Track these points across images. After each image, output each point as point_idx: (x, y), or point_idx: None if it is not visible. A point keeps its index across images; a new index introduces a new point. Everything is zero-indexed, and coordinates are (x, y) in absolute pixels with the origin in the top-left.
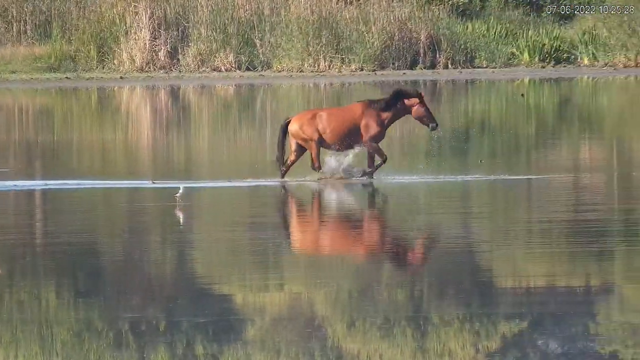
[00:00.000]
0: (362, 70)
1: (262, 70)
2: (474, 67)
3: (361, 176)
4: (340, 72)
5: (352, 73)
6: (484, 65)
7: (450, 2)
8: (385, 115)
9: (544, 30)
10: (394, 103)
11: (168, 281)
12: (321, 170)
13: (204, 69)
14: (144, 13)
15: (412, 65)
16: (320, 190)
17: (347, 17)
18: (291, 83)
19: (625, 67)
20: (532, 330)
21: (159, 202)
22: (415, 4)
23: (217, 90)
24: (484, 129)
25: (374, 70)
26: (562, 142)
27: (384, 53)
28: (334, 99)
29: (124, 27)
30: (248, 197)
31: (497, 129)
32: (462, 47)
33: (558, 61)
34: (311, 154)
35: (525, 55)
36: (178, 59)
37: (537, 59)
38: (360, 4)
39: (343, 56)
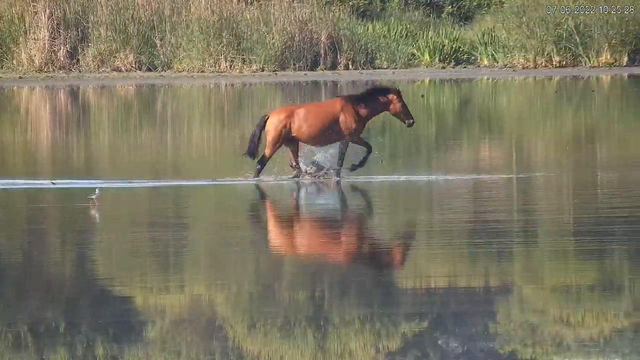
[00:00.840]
0: (263, 70)
1: (162, 70)
2: (375, 68)
3: (351, 170)
4: (241, 72)
5: (253, 73)
6: (385, 66)
7: (350, 3)
8: (363, 110)
9: (444, 31)
10: (372, 99)
11: (68, 283)
12: (299, 170)
13: (104, 69)
14: (42, 13)
15: (313, 66)
16: (237, 190)
17: (248, 17)
18: (192, 83)
19: (524, 68)
20: (433, 329)
21: (58, 202)
22: (315, 4)
23: (117, 91)
24: (384, 129)
25: (275, 70)
26: (462, 142)
27: (284, 54)
28: (235, 100)
29: (23, 27)
30: (148, 198)
31: (398, 130)
32: (363, 47)
33: (458, 62)
34: (267, 149)
35: (426, 56)
36: (78, 59)
37: (437, 59)
38: (261, 4)
39: (244, 57)
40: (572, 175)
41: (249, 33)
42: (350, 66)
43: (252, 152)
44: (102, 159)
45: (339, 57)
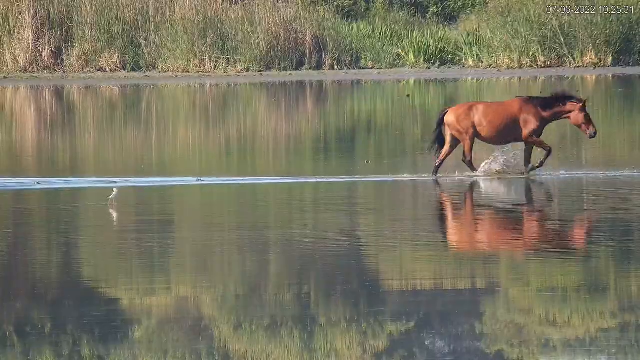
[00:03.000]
0: (248, 70)
1: (147, 70)
2: (360, 68)
3: (529, 171)
4: (226, 72)
5: (238, 74)
6: (370, 66)
7: (335, 3)
8: (544, 113)
9: (429, 32)
10: (555, 104)
11: (54, 283)
12: (472, 166)
13: (88, 69)
14: (27, 13)
15: (298, 66)
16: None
17: (233, 17)
18: (176, 84)
19: (509, 68)
20: (419, 329)
21: (43, 203)
22: (300, 4)
23: (101, 91)
24: (370, 130)
25: (260, 71)
26: None
27: (269, 54)
28: (220, 100)
29: (7, 27)
30: (135, 198)
31: (383, 130)
32: (348, 47)
33: (443, 62)
34: (464, 146)
35: (411, 56)
36: (62, 59)
37: (422, 60)
38: (246, 4)
39: (229, 57)
40: (558, 175)
41: (233, 33)
42: (336, 66)
43: (440, 147)
44: (86, 159)
45: (324, 57)
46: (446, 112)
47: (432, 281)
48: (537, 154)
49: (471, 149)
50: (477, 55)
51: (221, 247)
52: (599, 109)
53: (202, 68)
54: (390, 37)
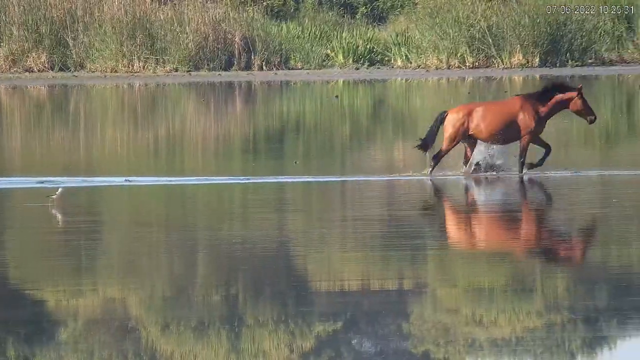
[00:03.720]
0: (177, 71)
1: (75, 70)
2: (289, 69)
3: (530, 169)
4: (155, 72)
5: (167, 74)
6: (299, 67)
7: (264, 4)
8: (543, 109)
9: (358, 32)
10: (552, 96)
11: None
12: (466, 167)
13: (15, 69)
14: None
15: (227, 67)
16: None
17: (162, 17)
18: (105, 84)
19: (437, 68)
20: (347, 329)
21: None
22: (229, 4)
23: (29, 91)
24: (299, 130)
25: (189, 71)
26: (376, 143)
27: (198, 54)
28: (149, 100)
29: None
30: (62, 199)
31: (312, 131)
32: (277, 48)
33: (372, 63)
34: (443, 144)
35: (340, 56)
36: None
37: (351, 60)
38: (175, 4)
39: (158, 57)
40: (484, 174)
41: (162, 33)
42: (265, 67)
43: (425, 145)
44: (12, 159)
45: (253, 57)
46: (446, 115)
47: (359, 282)
48: (535, 152)
49: (448, 151)
50: (406, 55)
51: (149, 247)
52: None
53: (130, 68)
54: (320, 37)
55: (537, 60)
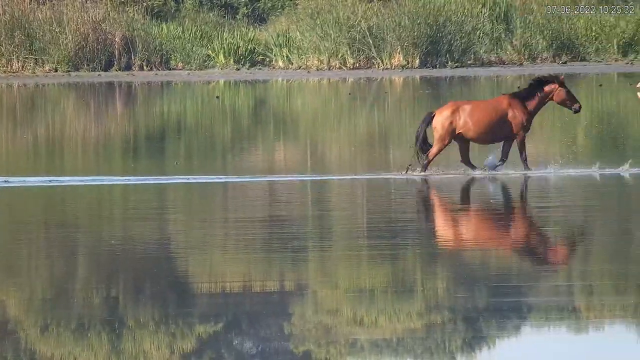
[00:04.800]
0: (56, 71)
1: None
2: (170, 69)
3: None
4: (34, 73)
5: (47, 74)
6: (180, 67)
7: (145, 4)
8: (530, 105)
9: (239, 33)
10: (537, 91)
11: None
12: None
13: None
14: None
15: (107, 67)
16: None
17: (40, 17)
18: None
19: (318, 69)
20: (228, 330)
21: None
22: (109, 4)
23: None
24: (180, 131)
25: (69, 71)
26: (257, 143)
27: (78, 54)
28: (28, 100)
29: None
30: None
31: (193, 131)
32: (158, 48)
33: (253, 63)
34: (433, 147)
35: (221, 57)
36: None
37: (232, 61)
38: (54, 4)
39: (37, 57)
40: (365, 177)
41: (41, 33)
42: (145, 67)
43: (423, 149)
44: None
45: (133, 58)
46: (433, 115)
47: (241, 283)
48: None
49: (440, 151)
50: (287, 56)
51: (28, 248)
52: (406, 111)
53: (9, 68)
54: (200, 38)
55: (417, 61)
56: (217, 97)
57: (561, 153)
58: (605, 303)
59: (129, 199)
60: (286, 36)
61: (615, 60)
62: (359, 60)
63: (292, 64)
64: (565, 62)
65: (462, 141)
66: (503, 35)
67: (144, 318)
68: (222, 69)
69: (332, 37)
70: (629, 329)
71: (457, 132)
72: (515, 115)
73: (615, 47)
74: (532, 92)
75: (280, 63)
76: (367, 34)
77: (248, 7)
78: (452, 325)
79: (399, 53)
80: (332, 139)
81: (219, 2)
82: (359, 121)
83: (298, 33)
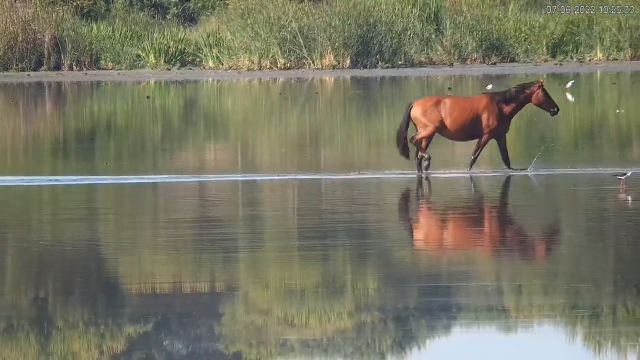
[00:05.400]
0: None
1: None
2: (100, 69)
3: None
4: None
5: None
6: (110, 67)
7: (74, 3)
8: (508, 107)
9: (169, 33)
10: (518, 95)
11: None
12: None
13: None
14: None
15: (37, 67)
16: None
17: None
18: None
19: (249, 70)
20: (158, 331)
21: None
22: (38, 4)
23: None
24: (110, 131)
25: None
26: (188, 143)
27: (7, 54)
28: None
29: None
30: None
31: (123, 131)
32: (87, 48)
33: (183, 63)
34: (419, 134)
35: (151, 57)
36: None
37: (162, 61)
38: None
39: None
40: (297, 177)
41: None
42: (75, 67)
43: (404, 149)
44: None
45: (62, 57)
46: (412, 107)
47: (171, 283)
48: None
49: (426, 137)
50: (217, 56)
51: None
52: (337, 111)
53: None
54: (131, 38)
55: (348, 61)
56: (148, 97)
57: (491, 155)
58: (534, 303)
59: (59, 200)
60: (216, 36)
61: (545, 61)
62: (290, 61)
63: (223, 64)
64: (494, 63)
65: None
66: (433, 36)
67: (73, 319)
68: (152, 69)
69: (263, 37)
70: (557, 328)
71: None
72: (489, 116)
73: (544, 48)
74: (513, 95)
75: (211, 63)
76: (298, 34)
77: (178, 7)
78: (382, 325)
79: (330, 53)
80: (263, 139)
81: (149, 2)
82: (290, 121)
83: (228, 33)
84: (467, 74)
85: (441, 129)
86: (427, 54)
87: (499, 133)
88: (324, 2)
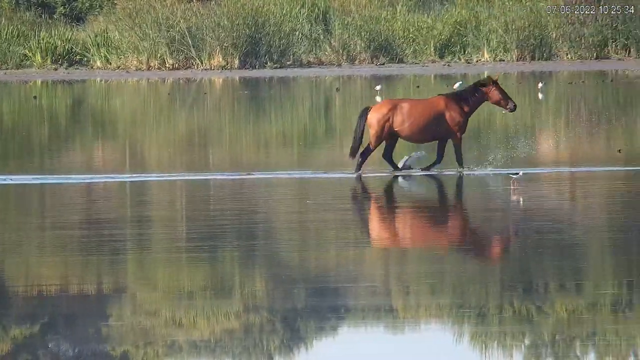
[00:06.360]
0: None
1: None
2: None
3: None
4: None
5: None
6: None
7: None
8: (466, 107)
9: (57, 32)
10: (474, 92)
11: None
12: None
13: None
14: None
15: None
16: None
17: None
18: None
19: (137, 70)
20: (44, 332)
21: None
22: None
23: None
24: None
25: None
26: (75, 144)
27: None
28: None
29: None
30: None
31: (9, 132)
32: None
33: (71, 63)
34: (370, 142)
35: (38, 57)
36: None
37: (49, 60)
38: None
39: None
40: (185, 178)
41: None
42: None
43: (355, 149)
44: None
45: None
46: (368, 111)
47: (58, 285)
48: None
49: (375, 148)
50: (105, 56)
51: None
52: (226, 111)
53: None
54: (17, 37)
55: (237, 61)
56: (35, 97)
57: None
58: (421, 303)
59: None
60: (104, 36)
61: (433, 62)
62: (179, 61)
63: (111, 64)
64: (383, 64)
65: (394, 139)
66: (322, 37)
67: None
68: (39, 68)
69: (151, 37)
70: (444, 328)
71: (393, 130)
72: (452, 116)
73: (432, 49)
74: (469, 94)
75: (99, 63)
76: (187, 34)
77: (65, 6)
78: (270, 326)
79: (219, 54)
80: (151, 139)
81: (36, 1)
82: (179, 121)
83: (117, 33)
84: (356, 75)
85: (400, 132)
86: (316, 55)
87: (464, 130)
88: (213, 2)
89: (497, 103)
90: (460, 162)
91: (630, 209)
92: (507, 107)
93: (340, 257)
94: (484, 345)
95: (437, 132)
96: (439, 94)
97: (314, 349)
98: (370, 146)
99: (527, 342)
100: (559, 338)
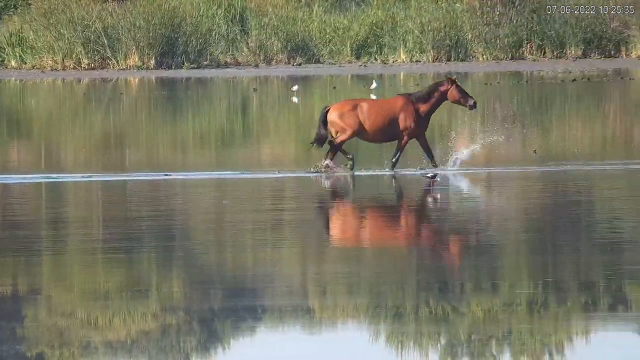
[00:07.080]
0: None
1: None
2: None
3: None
4: None
5: None
6: None
7: None
8: (425, 106)
9: None
10: (433, 92)
11: None
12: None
13: None
14: None
15: None
16: None
17: None
18: None
19: (53, 69)
20: None
21: None
22: None
23: None
24: None
25: None
26: None
27: None
28: None
29: None
30: None
31: None
32: None
33: None
34: (338, 139)
35: None
36: None
37: None
38: None
39: None
40: (102, 178)
41: None
42: None
43: (321, 141)
44: None
45: None
46: (328, 110)
47: None
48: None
49: (343, 144)
50: (20, 56)
51: None
52: (142, 112)
53: None
54: None
55: (153, 61)
56: None
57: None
58: (338, 303)
59: None
60: (19, 36)
61: (349, 63)
62: (94, 61)
63: (26, 63)
64: (300, 64)
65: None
66: (239, 37)
67: None
68: None
69: (67, 37)
70: (361, 328)
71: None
72: (406, 116)
73: (348, 50)
74: (428, 93)
75: (14, 63)
76: (102, 34)
77: None
78: (187, 327)
79: (135, 54)
80: (67, 139)
81: None
82: (94, 122)
83: (32, 32)
84: (273, 75)
85: (359, 132)
86: (233, 55)
87: (417, 133)
88: (128, 2)
89: (457, 102)
90: (395, 163)
91: (545, 209)
92: (467, 104)
93: (258, 258)
94: (400, 345)
95: (393, 132)
96: (398, 94)
97: (231, 349)
98: (336, 142)
99: (443, 341)
100: (475, 337)
